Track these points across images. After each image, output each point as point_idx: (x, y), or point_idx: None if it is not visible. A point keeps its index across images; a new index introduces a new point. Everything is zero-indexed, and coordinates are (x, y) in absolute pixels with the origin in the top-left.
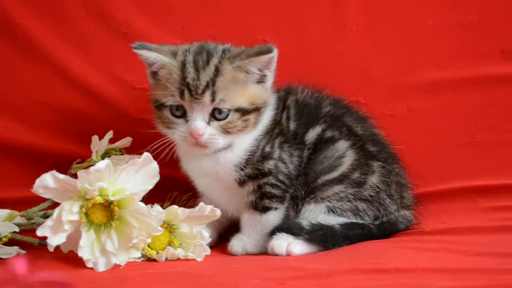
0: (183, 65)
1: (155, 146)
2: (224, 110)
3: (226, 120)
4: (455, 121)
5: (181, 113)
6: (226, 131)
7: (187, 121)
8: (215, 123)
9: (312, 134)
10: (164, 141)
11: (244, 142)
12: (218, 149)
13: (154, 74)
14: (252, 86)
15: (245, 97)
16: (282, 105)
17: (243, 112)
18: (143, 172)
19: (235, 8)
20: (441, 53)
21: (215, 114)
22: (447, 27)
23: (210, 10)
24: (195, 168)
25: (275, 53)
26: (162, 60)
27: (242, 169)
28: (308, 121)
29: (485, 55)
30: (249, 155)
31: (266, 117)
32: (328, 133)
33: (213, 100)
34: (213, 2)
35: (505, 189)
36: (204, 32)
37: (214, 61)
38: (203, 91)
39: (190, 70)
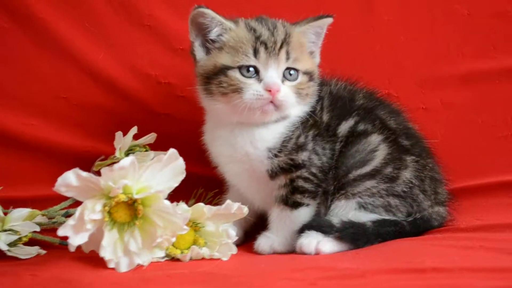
0: (251, 29)
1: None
2: (293, 71)
3: (297, 81)
4: (490, 113)
5: (252, 74)
6: (298, 92)
7: (260, 80)
8: (288, 83)
9: (344, 127)
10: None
11: (282, 126)
12: (283, 115)
13: (212, 41)
14: (309, 55)
15: (310, 62)
16: (316, 96)
17: (310, 77)
18: (168, 169)
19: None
20: (475, 43)
21: (286, 75)
22: (481, 16)
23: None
24: (226, 152)
25: (330, 21)
26: (226, 24)
27: (276, 156)
28: (341, 113)
29: None
30: (284, 140)
31: (309, 107)
32: (361, 126)
33: (288, 58)
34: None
35: None
36: None
37: (281, 26)
38: (280, 48)
39: (263, 31)
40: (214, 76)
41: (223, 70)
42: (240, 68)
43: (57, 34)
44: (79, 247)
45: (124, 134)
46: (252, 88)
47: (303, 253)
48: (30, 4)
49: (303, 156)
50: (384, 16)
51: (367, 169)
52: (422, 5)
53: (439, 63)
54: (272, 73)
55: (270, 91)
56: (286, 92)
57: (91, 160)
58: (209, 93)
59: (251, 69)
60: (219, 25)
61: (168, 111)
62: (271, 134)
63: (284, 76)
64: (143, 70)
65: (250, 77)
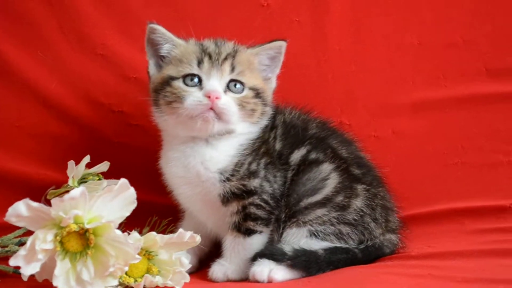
0: (199, 44)
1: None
2: (238, 85)
3: (242, 95)
4: (441, 141)
5: (195, 83)
6: (241, 105)
7: (201, 88)
8: (231, 94)
9: (297, 155)
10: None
11: (233, 143)
12: (224, 129)
13: (163, 57)
14: (262, 78)
15: (259, 81)
16: (270, 124)
17: (256, 93)
18: (119, 199)
19: (214, 29)
20: (426, 72)
21: (231, 87)
22: (432, 46)
23: (186, 26)
24: (178, 173)
25: (284, 45)
26: (176, 41)
27: (228, 180)
28: (294, 142)
29: (471, 74)
30: (236, 164)
31: (259, 129)
32: (313, 155)
33: (232, 70)
34: (190, 19)
35: (493, 211)
36: None
37: (230, 44)
38: (224, 60)
39: (210, 44)
40: (161, 88)
41: (168, 81)
42: (184, 77)
43: (10, 62)
44: (32, 276)
45: (77, 162)
46: (193, 95)
47: (256, 281)
48: None
49: (255, 182)
50: (335, 46)
51: (318, 197)
52: (373, 35)
53: (390, 92)
54: (214, 81)
55: (209, 97)
56: (227, 100)
57: (44, 187)
58: (157, 106)
59: (195, 79)
60: (170, 41)
61: (121, 140)
62: (221, 156)
63: (228, 87)
64: (96, 99)
65: (192, 86)
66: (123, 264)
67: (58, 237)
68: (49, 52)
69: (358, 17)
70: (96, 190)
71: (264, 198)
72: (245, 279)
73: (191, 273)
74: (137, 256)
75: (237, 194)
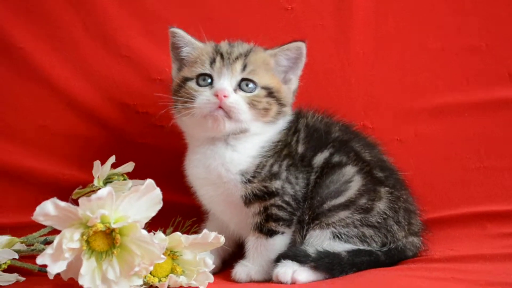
0: (216, 45)
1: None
2: (251, 84)
3: (253, 93)
4: (463, 146)
5: (208, 83)
6: (252, 104)
7: (212, 87)
8: (242, 93)
9: (320, 158)
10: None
11: (253, 145)
12: (237, 128)
13: (182, 60)
14: (278, 78)
15: (273, 80)
16: (293, 128)
17: (269, 92)
18: (145, 199)
19: (237, 32)
20: (449, 76)
21: (242, 86)
22: (454, 50)
23: (211, 29)
24: (200, 175)
25: (303, 46)
26: (195, 44)
27: (249, 181)
28: (317, 145)
29: (494, 78)
30: (257, 166)
31: (278, 129)
32: (336, 158)
33: (243, 69)
34: (214, 22)
35: None
36: None
37: (246, 45)
38: (236, 59)
39: (224, 45)
40: (178, 89)
41: (184, 82)
42: (197, 78)
43: (36, 63)
44: (58, 275)
45: (103, 162)
46: (203, 95)
47: (280, 282)
48: (9, 34)
49: (276, 184)
50: (359, 50)
51: (341, 199)
52: (396, 39)
53: (413, 96)
54: (223, 80)
55: (218, 96)
56: (236, 99)
57: (70, 187)
58: (176, 108)
59: (207, 78)
60: (189, 45)
61: (146, 141)
62: (242, 157)
63: (240, 86)
64: (121, 100)
65: (204, 86)
66: (148, 264)
67: (84, 237)
68: (75, 53)
69: (381, 21)
70: (121, 190)
71: (285, 199)
72: (269, 280)
73: (215, 273)
74: (162, 256)
75: (259, 196)
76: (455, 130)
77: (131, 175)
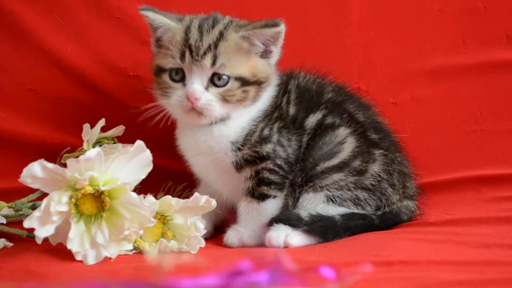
0: (187, 29)
1: (149, 115)
2: (224, 76)
3: (225, 88)
4: (459, 108)
5: (180, 77)
6: (224, 99)
7: (185, 85)
8: (214, 89)
9: (312, 120)
10: (159, 109)
11: (241, 119)
12: (214, 120)
13: (158, 40)
14: (256, 58)
15: (247, 67)
16: (283, 89)
17: (244, 82)
18: (135, 161)
19: None
20: (445, 38)
21: (214, 80)
22: (451, 12)
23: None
24: (191, 145)
25: (281, 28)
26: (168, 24)
27: (239, 149)
28: (309, 106)
29: (491, 40)
30: (247, 134)
31: (267, 97)
32: (329, 119)
33: (213, 63)
34: None
35: (511, 179)
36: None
37: (219, 27)
38: (204, 53)
39: (194, 32)
40: (156, 75)
41: (159, 72)
42: (170, 71)
43: (25, 25)
44: (46, 240)
45: (92, 126)
46: (176, 94)
47: (272, 246)
48: None
49: (267, 148)
50: (355, 12)
51: (334, 161)
52: (393, 1)
53: (409, 58)
54: (195, 79)
55: (189, 99)
56: (207, 99)
57: (58, 152)
58: (156, 91)
59: (179, 72)
60: (162, 26)
61: (137, 104)
62: (232, 129)
63: (212, 81)
64: (112, 63)
65: (177, 81)
66: (138, 228)
67: (73, 199)
68: (65, 15)
69: None
70: (111, 153)
71: (277, 162)
72: (261, 244)
73: (206, 239)
74: (152, 219)
75: (250, 161)
76: (451, 93)
77: (121, 139)
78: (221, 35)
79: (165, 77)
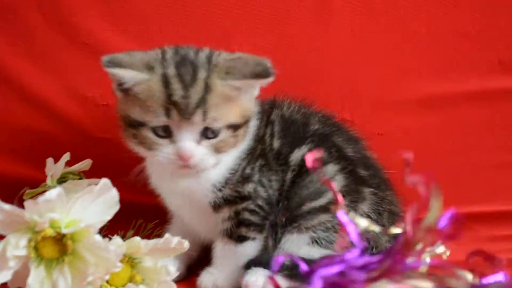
0: (165, 80)
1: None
2: (215, 129)
3: (218, 139)
4: (451, 139)
5: (167, 133)
6: (217, 150)
7: (173, 141)
8: (206, 142)
9: (297, 155)
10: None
11: (228, 159)
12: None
13: (126, 89)
14: (242, 99)
15: (236, 112)
16: (265, 120)
17: (235, 127)
18: (100, 201)
19: (208, 12)
20: (434, 64)
21: (206, 133)
22: (441, 36)
23: (180, 16)
24: (168, 188)
25: (272, 78)
26: (138, 78)
27: (220, 190)
28: (294, 140)
29: (482, 66)
30: (230, 173)
31: (250, 130)
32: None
33: (204, 119)
34: (184, 8)
35: (509, 216)
36: (174, 39)
37: (202, 74)
38: (194, 110)
39: (177, 86)
40: (131, 127)
41: (134, 124)
42: (154, 128)
43: None
44: (5, 284)
45: (57, 159)
46: (164, 151)
47: None
48: None
49: (248, 187)
50: (338, 34)
51: (322, 201)
52: (378, 24)
53: (396, 85)
54: (185, 135)
55: (181, 157)
56: (201, 154)
57: (20, 187)
58: (125, 135)
59: (165, 128)
60: (131, 80)
61: (106, 135)
62: (214, 172)
63: (204, 134)
64: (80, 91)
65: (163, 137)
66: (104, 273)
67: (32, 243)
68: (29, 40)
69: (363, 3)
70: (76, 190)
71: (258, 203)
72: None
73: (179, 281)
74: (119, 263)
75: (230, 200)
76: (441, 122)
77: (89, 174)
78: (207, 86)
79: (146, 132)
